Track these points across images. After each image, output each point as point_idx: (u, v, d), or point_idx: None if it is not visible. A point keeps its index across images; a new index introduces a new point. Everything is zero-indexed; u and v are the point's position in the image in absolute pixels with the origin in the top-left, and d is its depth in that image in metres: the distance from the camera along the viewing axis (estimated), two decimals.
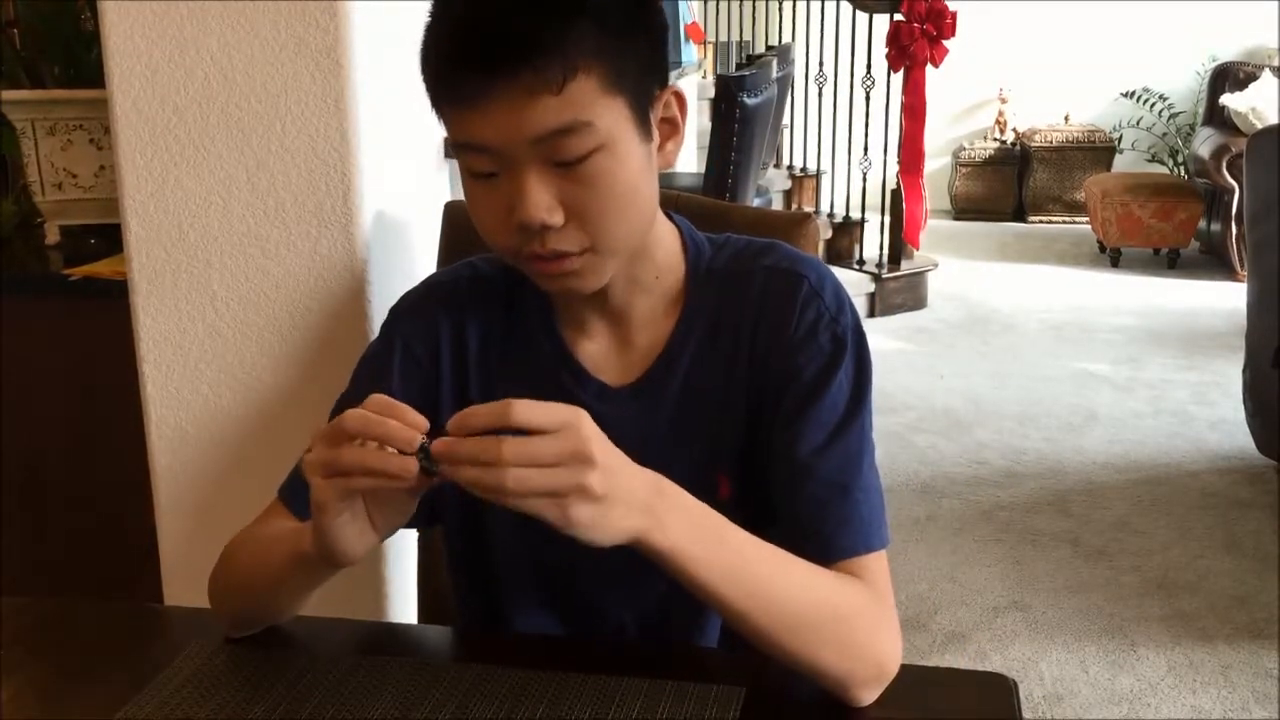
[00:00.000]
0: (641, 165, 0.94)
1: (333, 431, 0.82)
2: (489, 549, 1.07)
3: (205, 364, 1.57)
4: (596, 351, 1.04)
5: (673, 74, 1.84)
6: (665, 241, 1.03)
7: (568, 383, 1.03)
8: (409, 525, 0.96)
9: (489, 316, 1.06)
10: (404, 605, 1.63)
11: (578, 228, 0.92)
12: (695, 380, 1.02)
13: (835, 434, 0.96)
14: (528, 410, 0.78)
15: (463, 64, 0.88)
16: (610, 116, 0.90)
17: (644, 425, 1.01)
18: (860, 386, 0.99)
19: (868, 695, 0.91)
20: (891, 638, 0.93)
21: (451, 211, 1.44)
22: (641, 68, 0.93)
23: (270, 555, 0.98)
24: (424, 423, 0.81)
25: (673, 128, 0.98)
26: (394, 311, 1.09)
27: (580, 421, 0.79)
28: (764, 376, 1.00)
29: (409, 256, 1.66)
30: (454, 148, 0.94)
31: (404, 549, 1.58)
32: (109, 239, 1.95)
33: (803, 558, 0.94)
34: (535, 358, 1.04)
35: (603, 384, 1.03)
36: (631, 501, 0.81)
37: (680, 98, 0.98)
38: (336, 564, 0.88)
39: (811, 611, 0.90)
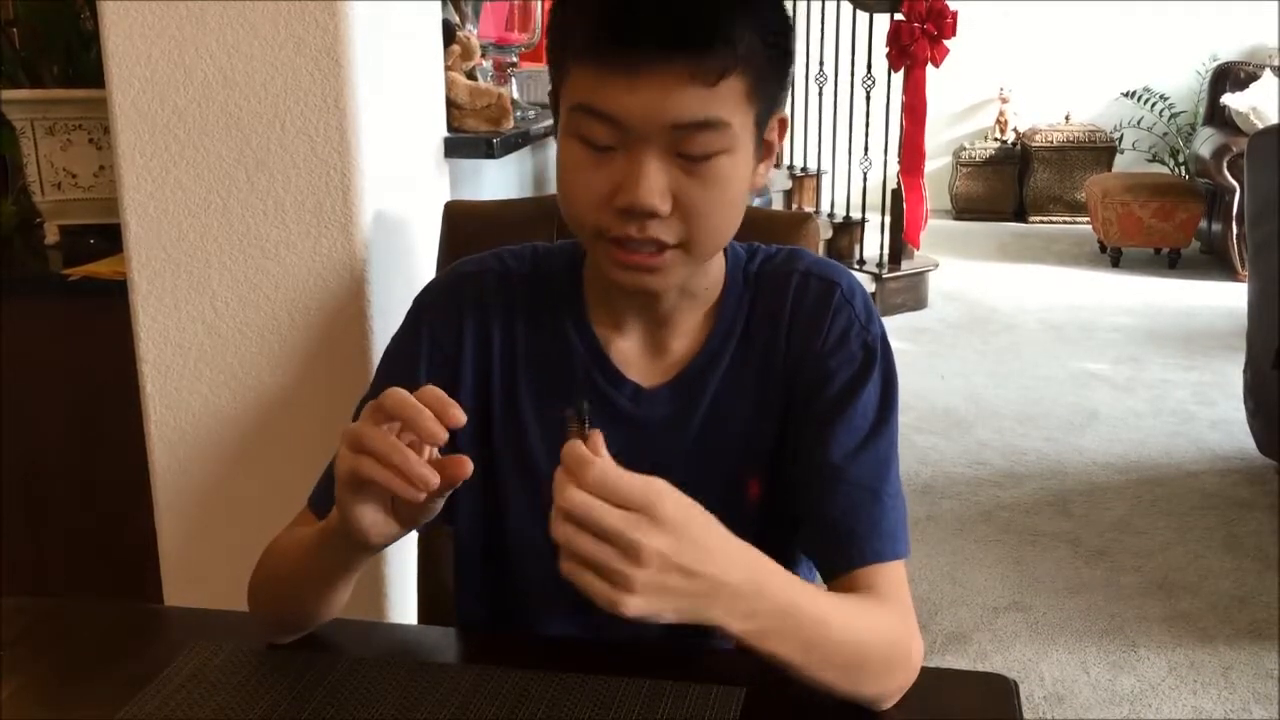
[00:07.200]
0: (748, 178, 0.94)
1: (374, 408, 0.81)
2: (506, 551, 1.06)
3: (205, 364, 1.57)
4: (630, 351, 1.03)
5: None
6: (719, 255, 1.03)
7: (600, 382, 1.02)
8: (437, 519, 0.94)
9: (516, 311, 1.04)
10: (404, 605, 1.63)
11: (680, 220, 0.90)
12: (729, 383, 1.02)
13: (866, 440, 0.97)
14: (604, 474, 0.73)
15: (626, 31, 0.85)
16: (741, 122, 0.89)
17: (677, 427, 1.01)
18: (888, 395, 0.99)
19: (892, 703, 0.91)
20: (918, 649, 0.93)
21: (451, 211, 1.44)
22: (776, 85, 0.93)
23: (300, 546, 0.97)
24: (462, 419, 0.80)
25: (768, 150, 0.97)
26: (419, 301, 1.08)
27: (662, 499, 0.74)
28: (795, 380, 1.00)
29: (409, 256, 1.65)
30: (574, 109, 0.89)
31: (404, 549, 1.58)
32: (109, 239, 1.95)
33: (829, 561, 0.94)
34: (566, 355, 1.03)
35: (637, 385, 1.02)
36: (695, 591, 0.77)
37: (783, 124, 0.98)
38: (357, 541, 0.86)
39: (862, 650, 0.88)
